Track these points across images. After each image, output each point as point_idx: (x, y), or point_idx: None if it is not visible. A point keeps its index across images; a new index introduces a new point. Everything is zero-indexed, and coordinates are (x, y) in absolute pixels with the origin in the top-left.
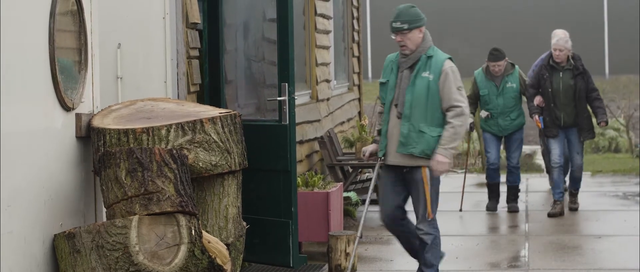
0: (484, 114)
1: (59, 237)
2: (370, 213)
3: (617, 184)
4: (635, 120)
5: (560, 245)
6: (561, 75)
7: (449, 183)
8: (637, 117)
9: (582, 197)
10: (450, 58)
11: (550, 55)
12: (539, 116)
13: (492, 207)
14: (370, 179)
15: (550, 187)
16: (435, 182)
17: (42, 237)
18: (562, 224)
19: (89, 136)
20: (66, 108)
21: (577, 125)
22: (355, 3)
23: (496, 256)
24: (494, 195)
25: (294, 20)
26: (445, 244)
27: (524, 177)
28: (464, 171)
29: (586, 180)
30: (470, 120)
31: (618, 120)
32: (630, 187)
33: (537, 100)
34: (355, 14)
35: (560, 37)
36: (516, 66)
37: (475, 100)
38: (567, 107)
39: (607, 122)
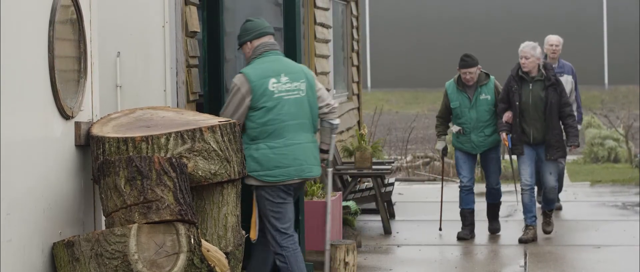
0: (455, 128)
1: (58, 245)
2: (369, 222)
3: (617, 194)
4: (634, 130)
5: (559, 255)
6: (531, 86)
7: (446, 192)
8: (637, 127)
9: (581, 207)
10: (243, 73)
11: (519, 65)
12: (507, 134)
13: (464, 235)
14: (369, 188)
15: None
16: (261, 201)
17: (41, 246)
18: (561, 234)
19: (88, 144)
20: (65, 116)
21: (546, 144)
22: (354, 12)
23: (495, 265)
24: (467, 222)
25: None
26: (444, 254)
27: None
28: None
29: (585, 190)
30: (443, 143)
31: (617, 131)
32: (629, 197)
33: (506, 116)
34: (355, 23)
35: (526, 44)
36: (492, 77)
37: (448, 116)
38: (536, 122)
39: (578, 145)
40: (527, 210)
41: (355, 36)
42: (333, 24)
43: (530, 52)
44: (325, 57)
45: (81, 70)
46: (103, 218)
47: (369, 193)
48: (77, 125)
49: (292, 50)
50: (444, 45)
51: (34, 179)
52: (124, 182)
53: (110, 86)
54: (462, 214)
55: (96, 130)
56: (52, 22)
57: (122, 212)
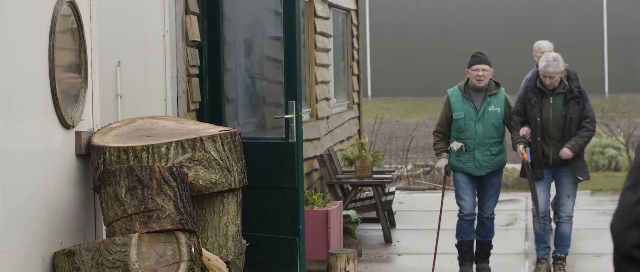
0: (456, 146)
1: (58, 254)
2: (370, 231)
3: (617, 203)
4: (635, 138)
5: None
6: (551, 100)
7: (446, 202)
8: (637, 135)
9: (582, 215)
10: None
11: (538, 75)
12: (525, 147)
13: None
14: (370, 197)
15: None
16: None
17: (41, 255)
18: None
19: (88, 153)
20: (66, 126)
21: (570, 164)
22: (354, 21)
23: None
24: (468, 257)
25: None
26: (445, 263)
27: (523, 195)
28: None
29: (585, 198)
30: (445, 161)
31: (618, 139)
32: None
33: (524, 130)
34: (355, 32)
35: (549, 61)
36: (502, 88)
37: (448, 130)
38: (558, 142)
39: (571, 155)
40: (540, 240)
41: (356, 45)
42: (333, 33)
43: (554, 69)
44: (326, 66)
45: (82, 79)
46: (104, 227)
47: (370, 202)
48: (78, 134)
49: (291, 59)
50: (444, 54)
51: (34, 189)
52: (124, 192)
53: (111, 95)
54: (460, 247)
55: (97, 140)
56: (52, 32)
57: (123, 221)
